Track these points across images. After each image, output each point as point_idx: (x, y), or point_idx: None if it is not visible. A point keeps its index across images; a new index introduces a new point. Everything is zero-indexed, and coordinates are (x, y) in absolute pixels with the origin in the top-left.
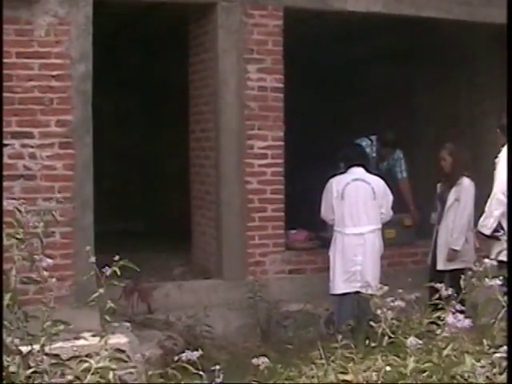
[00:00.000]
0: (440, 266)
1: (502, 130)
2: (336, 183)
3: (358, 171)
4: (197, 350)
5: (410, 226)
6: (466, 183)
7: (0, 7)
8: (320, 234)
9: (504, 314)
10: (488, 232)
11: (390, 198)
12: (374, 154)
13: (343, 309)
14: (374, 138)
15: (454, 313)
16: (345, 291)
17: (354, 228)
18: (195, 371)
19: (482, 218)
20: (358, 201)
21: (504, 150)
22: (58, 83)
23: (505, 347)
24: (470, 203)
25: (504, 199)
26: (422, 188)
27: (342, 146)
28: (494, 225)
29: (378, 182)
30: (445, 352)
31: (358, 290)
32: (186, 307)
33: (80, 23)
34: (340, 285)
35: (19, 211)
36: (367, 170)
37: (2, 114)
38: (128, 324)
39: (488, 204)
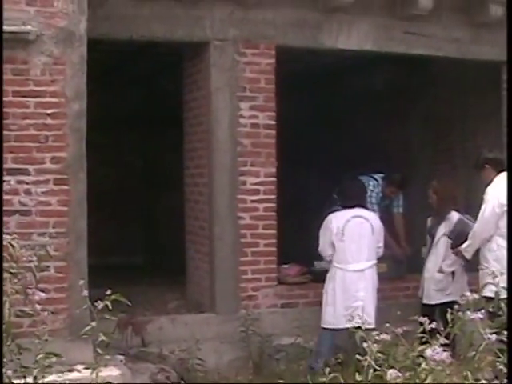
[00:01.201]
0: (425, 300)
1: (494, 163)
2: (336, 220)
3: (355, 208)
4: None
5: (401, 260)
6: (455, 218)
7: (0, 13)
8: (312, 269)
9: (486, 347)
10: (469, 256)
11: (383, 233)
12: (381, 194)
13: (332, 343)
14: (379, 177)
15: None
16: (347, 326)
17: (355, 264)
18: None
19: (465, 244)
20: (359, 237)
21: (490, 187)
22: (53, 121)
23: (483, 381)
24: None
25: (485, 236)
26: (416, 223)
27: (341, 180)
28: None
29: (374, 218)
30: None
31: (360, 325)
32: (179, 341)
33: (75, 63)
34: (342, 320)
35: (12, 246)
36: (363, 206)
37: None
38: (121, 357)
39: (471, 235)
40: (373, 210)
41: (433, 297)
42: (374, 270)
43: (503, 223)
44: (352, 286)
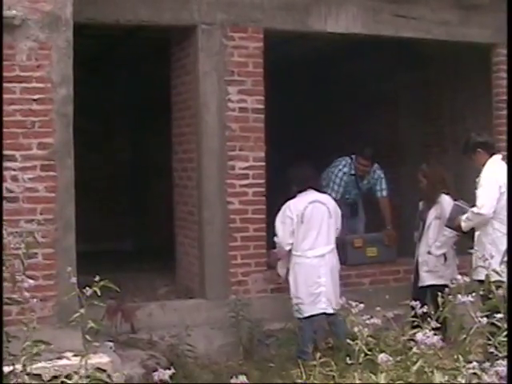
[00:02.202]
0: (420, 283)
1: (485, 147)
2: (293, 207)
3: (310, 193)
4: (169, 369)
5: (388, 245)
6: (446, 201)
7: (0, 10)
8: None
9: (477, 330)
10: (465, 229)
11: (340, 212)
12: (353, 172)
13: (308, 331)
14: (354, 156)
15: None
16: (312, 313)
17: (315, 250)
18: None
19: (465, 216)
20: (318, 223)
21: (486, 169)
22: (40, 107)
23: (475, 363)
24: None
25: (486, 214)
26: (407, 206)
27: (293, 166)
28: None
29: (330, 201)
30: (414, 368)
31: (325, 311)
32: (169, 327)
33: (61, 47)
34: (306, 308)
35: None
36: (317, 190)
37: (1, 116)
38: (111, 343)
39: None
40: (343, 193)
41: (424, 279)
42: (334, 254)
43: (500, 206)
44: (313, 272)
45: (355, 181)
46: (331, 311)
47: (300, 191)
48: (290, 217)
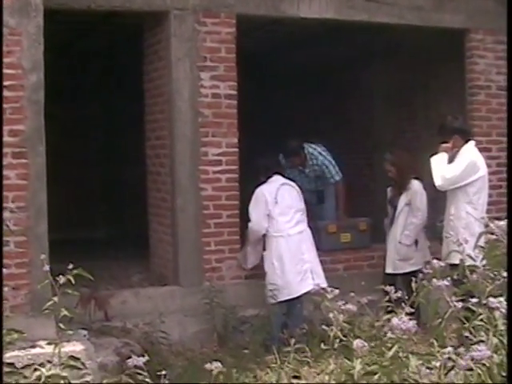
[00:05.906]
0: (389, 270)
1: (462, 133)
2: (266, 191)
3: (279, 177)
4: (143, 356)
5: (364, 231)
6: (416, 186)
7: (0, 10)
8: None
9: (451, 315)
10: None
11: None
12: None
13: (297, 311)
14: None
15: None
16: (302, 292)
17: (296, 227)
18: (143, 378)
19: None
20: (293, 202)
21: (463, 155)
22: (10, 93)
23: (449, 348)
24: (422, 206)
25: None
26: (380, 192)
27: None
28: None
29: (296, 185)
30: (390, 353)
31: (319, 284)
32: (143, 314)
33: (31, 33)
34: (296, 287)
35: None
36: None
37: (1, 113)
38: (84, 331)
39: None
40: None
41: (397, 266)
42: (309, 232)
43: (473, 191)
44: (297, 249)
45: (298, 171)
46: (325, 284)
47: (268, 177)
48: (263, 200)
